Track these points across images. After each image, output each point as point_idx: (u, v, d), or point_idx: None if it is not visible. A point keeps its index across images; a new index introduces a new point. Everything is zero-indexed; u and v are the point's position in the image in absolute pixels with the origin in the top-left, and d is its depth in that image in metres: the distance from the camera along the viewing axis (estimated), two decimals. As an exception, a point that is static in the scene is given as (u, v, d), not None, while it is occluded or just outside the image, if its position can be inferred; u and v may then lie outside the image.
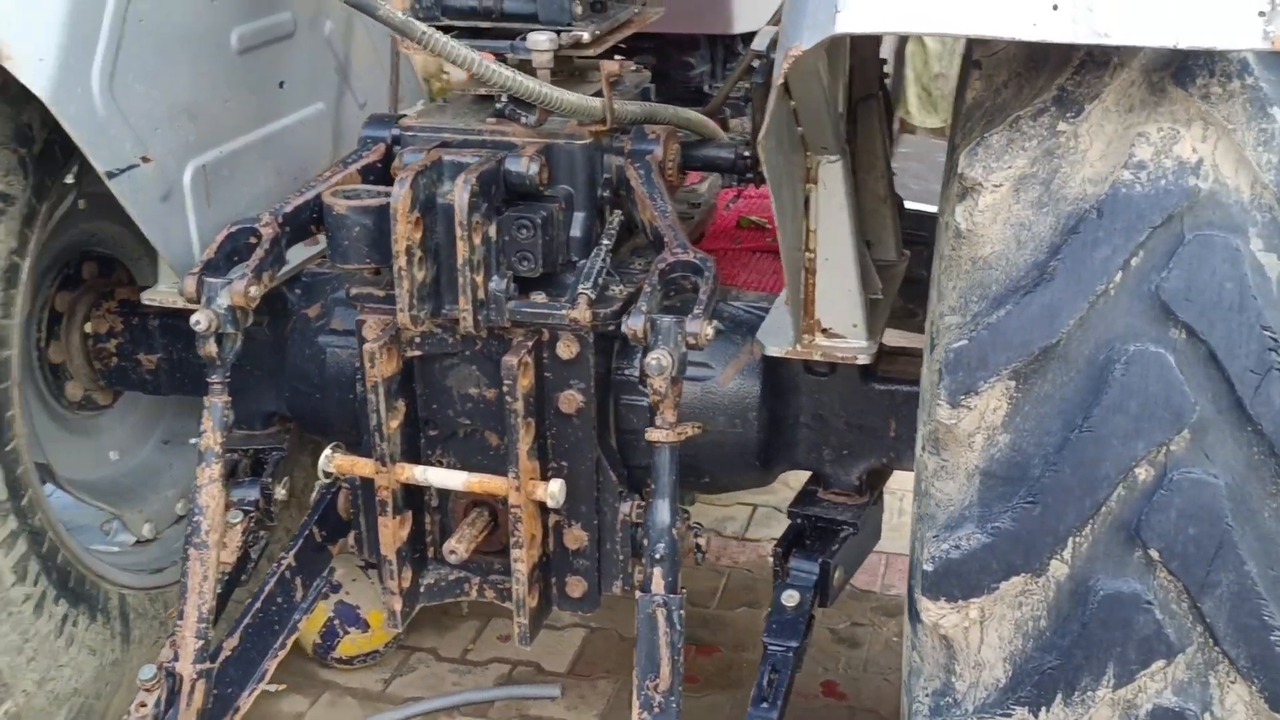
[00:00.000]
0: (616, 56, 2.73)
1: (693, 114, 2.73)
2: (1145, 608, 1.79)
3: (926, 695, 1.91)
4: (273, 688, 3.29)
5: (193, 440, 3.09)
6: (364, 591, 3.37)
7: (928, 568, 1.82)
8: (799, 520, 2.61)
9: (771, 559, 2.63)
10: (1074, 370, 1.78)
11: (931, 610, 1.82)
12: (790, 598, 2.49)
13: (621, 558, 2.54)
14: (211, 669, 2.45)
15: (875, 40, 2.62)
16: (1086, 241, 1.75)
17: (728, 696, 3.27)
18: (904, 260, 2.74)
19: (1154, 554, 1.78)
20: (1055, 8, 1.62)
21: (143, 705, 2.46)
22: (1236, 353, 1.72)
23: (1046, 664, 1.83)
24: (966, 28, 1.65)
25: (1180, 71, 1.74)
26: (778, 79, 1.80)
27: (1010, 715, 1.85)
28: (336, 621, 3.36)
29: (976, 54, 1.92)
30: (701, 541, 2.59)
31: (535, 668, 3.43)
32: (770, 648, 2.46)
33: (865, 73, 2.59)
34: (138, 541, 3.10)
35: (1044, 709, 1.83)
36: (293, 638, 2.69)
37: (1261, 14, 1.58)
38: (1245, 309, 1.70)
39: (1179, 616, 1.80)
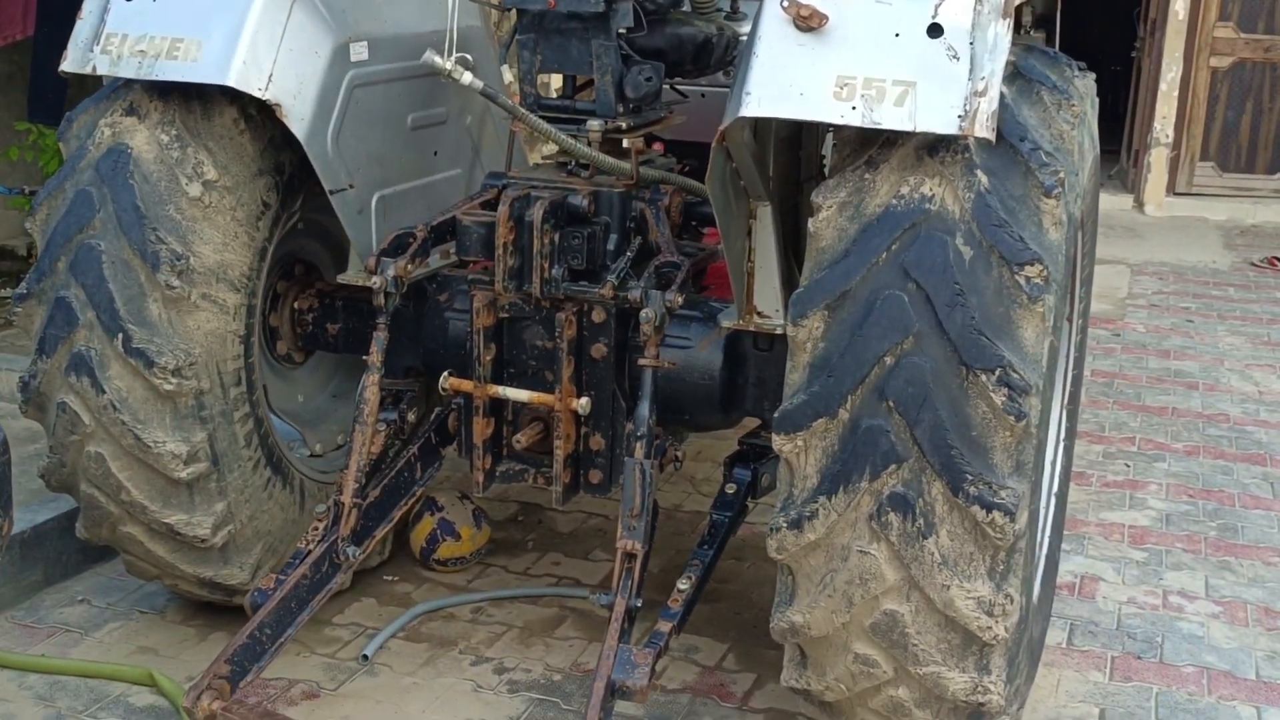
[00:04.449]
0: (665, 153, 4.02)
1: (695, 183, 3.84)
2: (885, 434, 2.73)
3: (780, 502, 2.97)
4: (389, 577, 4.43)
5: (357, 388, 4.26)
6: (458, 512, 4.40)
7: (777, 416, 2.91)
8: (744, 446, 3.66)
9: (722, 466, 3.67)
10: (857, 304, 2.76)
11: (777, 440, 2.91)
12: (730, 487, 3.57)
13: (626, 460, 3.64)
14: (361, 504, 3.45)
15: (816, 139, 3.74)
16: (870, 236, 2.79)
17: (727, 605, 4.23)
18: None
19: (891, 404, 2.72)
20: (854, 108, 2.83)
21: (316, 527, 3.50)
22: (939, 295, 2.70)
23: (835, 470, 2.78)
24: (806, 115, 2.85)
25: (932, 149, 2.85)
26: (714, 144, 3.10)
27: (816, 503, 2.80)
28: (437, 532, 4.33)
29: (834, 138, 3.12)
30: (679, 454, 3.62)
31: (575, 580, 4.40)
32: (713, 516, 3.52)
33: (811, 161, 3.71)
34: (312, 454, 4.16)
35: (833, 496, 2.79)
36: (411, 500, 3.73)
37: (959, 115, 2.78)
38: (946, 273, 2.71)
39: (904, 440, 2.71)
